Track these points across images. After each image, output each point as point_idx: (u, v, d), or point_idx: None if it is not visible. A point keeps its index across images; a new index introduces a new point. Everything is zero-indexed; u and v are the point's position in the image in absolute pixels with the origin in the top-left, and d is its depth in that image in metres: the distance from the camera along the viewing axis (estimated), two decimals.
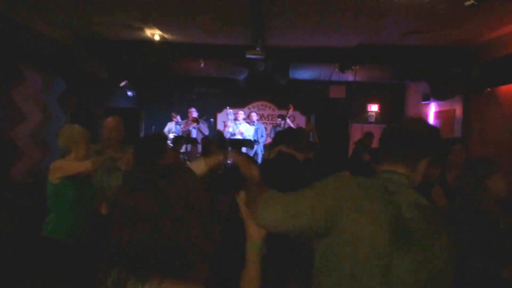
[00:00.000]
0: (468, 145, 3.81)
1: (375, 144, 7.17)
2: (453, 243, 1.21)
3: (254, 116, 9.14)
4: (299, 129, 5.13)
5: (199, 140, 8.04)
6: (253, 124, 8.94)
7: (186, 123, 8.83)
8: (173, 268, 1.11)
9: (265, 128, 9.44)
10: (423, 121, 1.43)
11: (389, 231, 1.17)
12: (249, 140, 8.51)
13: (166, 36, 6.82)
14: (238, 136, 8.59)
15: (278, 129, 8.37)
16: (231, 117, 8.97)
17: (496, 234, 2.19)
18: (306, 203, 1.25)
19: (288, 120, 8.73)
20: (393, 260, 1.16)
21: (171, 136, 8.28)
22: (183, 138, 7.74)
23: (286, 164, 3.10)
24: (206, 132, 8.73)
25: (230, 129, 8.83)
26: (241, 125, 8.86)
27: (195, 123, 8.60)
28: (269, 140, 8.86)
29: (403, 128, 1.36)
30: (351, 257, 1.19)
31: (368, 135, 7.18)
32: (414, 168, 1.33)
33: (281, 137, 3.45)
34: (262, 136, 8.85)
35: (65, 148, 3.03)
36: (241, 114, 9.07)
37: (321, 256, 1.27)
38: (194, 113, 8.83)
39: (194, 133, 8.71)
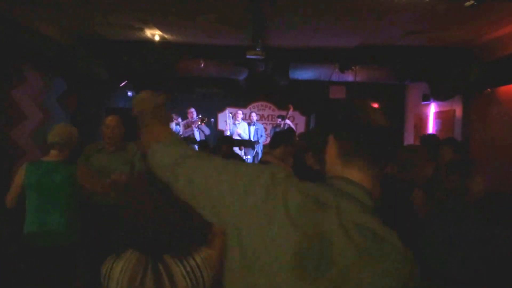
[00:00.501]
0: (458, 146, 3.82)
1: None
2: (398, 273, 0.94)
3: (254, 117, 9.14)
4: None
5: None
6: (253, 124, 8.95)
7: (187, 124, 8.81)
8: (182, 247, 1.44)
9: (265, 128, 9.44)
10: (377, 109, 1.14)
11: (294, 259, 0.93)
12: (250, 141, 8.51)
13: (166, 36, 6.82)
14: (237, 137, 8.59)
15: (278, 129, 8.38)
16: (229, 121, 8.96)
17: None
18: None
19: (287, 121, 8.75)
20: None
21: None
22: (183, 138, 7.74)
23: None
24: (207, 132, 8.74)
25: (228, 132, 8.84)
26: (239, 125, 8.87)
27: (202, 124, 8.58)
28: (268, 140, 8.86)
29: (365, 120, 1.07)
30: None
31: None
32: (379, 175, 1.06)
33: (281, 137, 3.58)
34: (261, 136, 8.85)
35: (52, 146, 3.08)
36: (240, 114, 9.07)
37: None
38: (193, 114, 8.82)
39: (197, 135, 8.68)
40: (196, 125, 8.62)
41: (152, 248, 1.45)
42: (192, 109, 8.89)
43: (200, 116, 8.73)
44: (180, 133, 8.78)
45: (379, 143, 1.05)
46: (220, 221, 1.03)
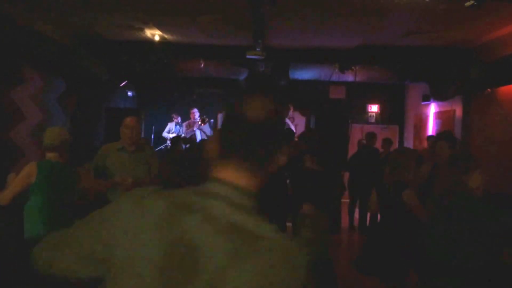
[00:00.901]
0: (456, 142, 3.82)
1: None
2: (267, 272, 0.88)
3: None
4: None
5: None
6: None
7: (189, 124, 8.80)
8: None
9: None
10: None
11: (161, 268, 0.89)
12: None
13: (166, 36, 6.82)
14: None
15: None
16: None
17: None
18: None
19: (287, 121, 8.74)
20: None
21: (170, 136, 8.28)
22: (181, 138, 7.74)
23: None
24: (209, 133, 8.75)
25: None
26: None
27: (203, 124, 8.59)
28: None
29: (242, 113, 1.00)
30: None
31: (371, 136, 7.17)
32: (259, 171, 0.99)
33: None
34: None
35: (51, 148, 3.09)
36: None
37: None
38: (196, 114, 8.80)
39: (198, 135, 8.67)
40: (197, 126, 8.61)
41: None
42: (195, 110, 8.87)
43: (203, 116, 8.74)
44: (182, 133, 8.78)
45: (251, 140, 0.98)
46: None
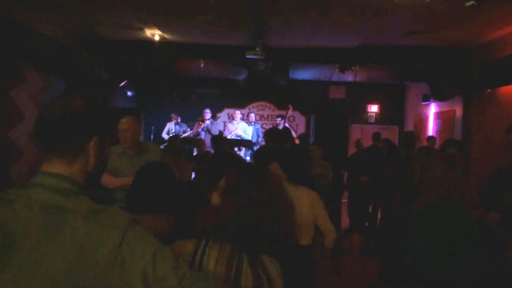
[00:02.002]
0: (465, 149, 3.86)
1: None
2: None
3: (253, 117, 9.13)
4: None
5: (207, 142, 7.80)
6: (251, 124, 8.93)
7: (198, 124, 8.68)
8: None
9: (264, 129, 9.44)
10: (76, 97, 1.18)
11: None
12: (249, 141, 8.50)
13: (166, 36, 6.81)
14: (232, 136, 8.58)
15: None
16: (232, 126, 8.93)
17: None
18: None
19: (287, 124, 8.73)
20: None
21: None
22: (179, 138, 7.70)
23: None
24: (216, 133, 8.74)
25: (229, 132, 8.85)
26: (238, 125, 8.85)
27: (207, 122, 8.55)
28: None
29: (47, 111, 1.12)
30: None
31: (377, 136, 7.14)
32: (76, 160, 1.12)
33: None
34: (259, 136, 8.85)
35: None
36: (238, 114, 9.04)
37: None
38: (207, 115, 8.69)
39: (202, 135, 8.62)
40: (201, 128, 8.53)
41: (253, 244, 1.38)
42: (207, 110, 8.75)
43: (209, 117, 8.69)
44: (188, 132, 8.74)
45: (47, 134, 1.12)
46: None
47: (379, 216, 6.32)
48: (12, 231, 0.99)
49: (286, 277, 1.43)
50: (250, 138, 8.66)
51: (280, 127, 8.43)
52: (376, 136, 7.15)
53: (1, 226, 1.00)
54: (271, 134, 4.49)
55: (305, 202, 2.80)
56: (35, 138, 1.16)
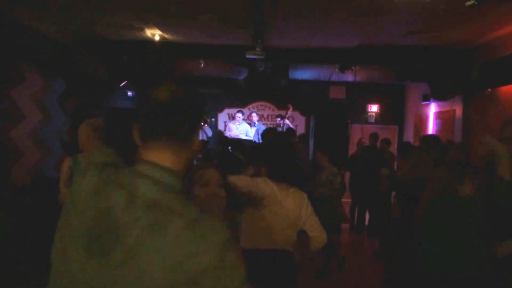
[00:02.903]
0: (464, 148, 3.90)
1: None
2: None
3: (255, 117, 9.13)
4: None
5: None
6: (254, 126, 8.93)
7: None
8: None
9: None
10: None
11: (85, 239, 0.97)
12: (250, 141, 8.50)
13: (166, 36, 6.82)
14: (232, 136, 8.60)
15: (279, 129, 8.37)
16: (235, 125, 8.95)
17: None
18: None
19: (286, 121, 8.74)
20: (87, 276, 0.95)
21: None
22: None
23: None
24: (210, 134, 8.75)
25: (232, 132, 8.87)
26: (240, 125, 8.86)
27: (206, 124, 8.59)
28: None
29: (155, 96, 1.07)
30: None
31: (374, 136, 7.18)
32: (182, 150, 1.07)
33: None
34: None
35: (81, 147, 3.24)
36: (240, 116, 9.04)
37: None
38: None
39: (200, 135, 8.64)
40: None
41: None
42: None
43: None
44: None
45: (156, 118, 1.05)
46: None
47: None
48: (118, 219, 0.96)
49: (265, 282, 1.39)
50: (251, 139, 8.66)
51: (280, 127, 8.44)
52: (373, 137, 7.17)
53: (109, 212, 0.97)
54: (266, 135, 4.45)
55: (291, 204, 2.60)
56: (138, 122, 1.07)
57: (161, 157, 1.04)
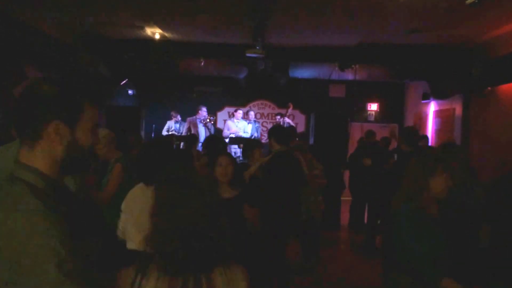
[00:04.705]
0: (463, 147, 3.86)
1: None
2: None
3: (252, 115, 9.15)
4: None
5: (201, 139, 7.89)
6: (251, 122, 8.95)
7: (192, 121, 8.72)
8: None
9: (265, 127, 9.47)
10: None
11: None
12: (247, 139, 8.52)
13: (166, 35, 6.83)
14: (232, 135, 8.61)
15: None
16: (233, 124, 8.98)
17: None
18: None
19: (287, 119, 8.75)
20: None
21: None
22: (175, 136, 7.75)
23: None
24: (213, 131, 8.78)
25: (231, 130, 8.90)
26: (239, 123, 8.87)
27: (209, 121, 8.61)
28: (264, 139, 8.89)
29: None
30: None
31: (370, 133, 7.18)
32: (36, 150, 1.09)
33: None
34: (257, 134, 8.87)
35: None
36: (240, 113, 9.06)
37: None
38: (203, 113, 8.71)
39: (202, 132, 8.64)
40: (204, 122, 8.58)
41: (199, 262, 1.25)
42: (204, 108, 8.77)
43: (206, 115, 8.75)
44: (184, 130, 8.76)
45: (16, 116, 1.10)
46: None
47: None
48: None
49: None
50: (249, 136, 8.68)
51: (282, 125, 8.44)
52: (368, 134, 7.18)
53: None
54: (274, 132, 4.42)
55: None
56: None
57: (20, 152, 1.11)
